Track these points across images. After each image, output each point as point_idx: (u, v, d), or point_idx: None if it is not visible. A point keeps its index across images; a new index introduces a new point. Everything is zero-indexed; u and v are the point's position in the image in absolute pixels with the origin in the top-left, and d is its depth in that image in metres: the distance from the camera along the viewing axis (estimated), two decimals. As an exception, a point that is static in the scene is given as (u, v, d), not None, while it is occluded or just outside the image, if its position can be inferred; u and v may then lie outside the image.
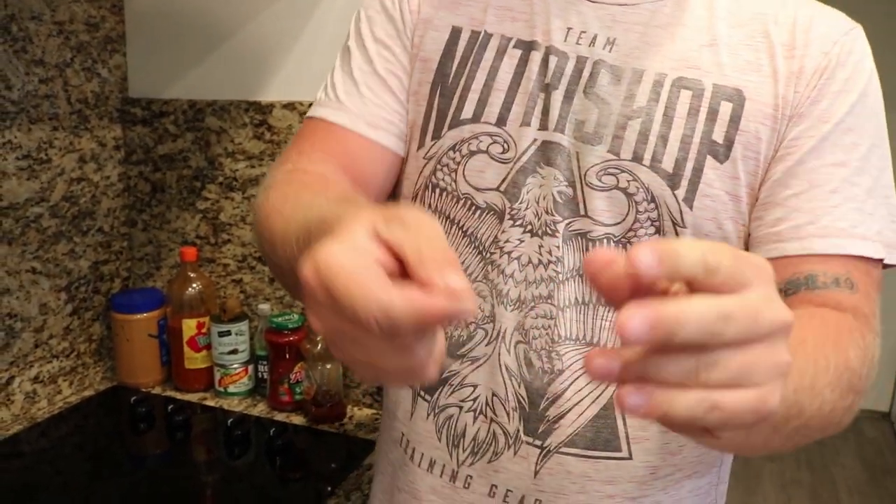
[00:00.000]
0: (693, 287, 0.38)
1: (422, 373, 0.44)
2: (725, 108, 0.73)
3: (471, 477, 0.82)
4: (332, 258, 0.40)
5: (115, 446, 1.32)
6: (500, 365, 0.80)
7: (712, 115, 0.74)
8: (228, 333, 1.44)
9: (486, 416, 0.80)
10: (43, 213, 1.40)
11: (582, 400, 0.77)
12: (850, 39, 0.75)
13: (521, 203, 0.77)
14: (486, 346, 0.80)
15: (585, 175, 0.75)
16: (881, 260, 0.72)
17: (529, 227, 0.77)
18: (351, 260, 0.40)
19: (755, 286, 0.38)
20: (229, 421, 1.32)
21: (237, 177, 1.47)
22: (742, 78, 0.74)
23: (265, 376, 1.46)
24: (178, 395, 1.49)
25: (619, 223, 0.75)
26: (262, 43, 1.43)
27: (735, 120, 0.73)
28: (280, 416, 1.41)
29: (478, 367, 0.81)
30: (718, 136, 0.73)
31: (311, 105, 0.88)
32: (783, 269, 0.71)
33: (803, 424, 0.57)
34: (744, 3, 0.77)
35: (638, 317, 0.36)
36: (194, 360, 1.48)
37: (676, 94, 0.74)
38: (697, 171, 0.73)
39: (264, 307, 1.45)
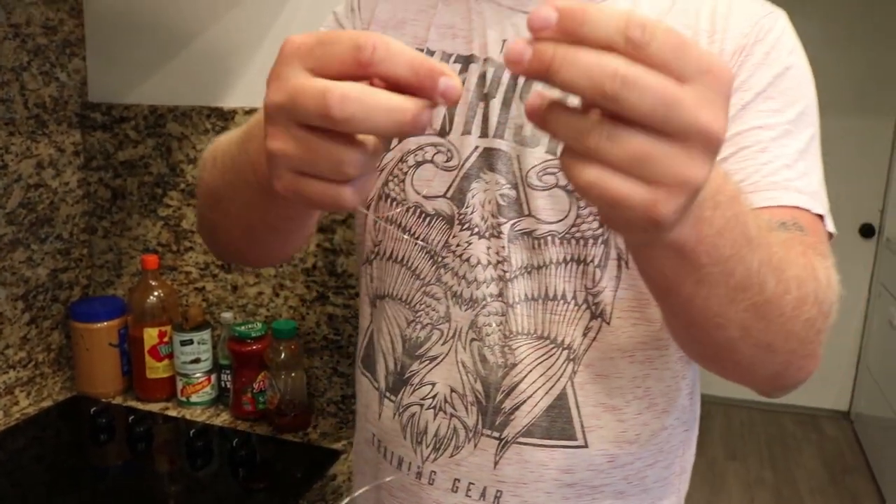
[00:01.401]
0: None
1: (343, 194, 0.46)
2: None
3: (434, 473, 0.84)
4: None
5: (75, 458, 1.30)
6: (456, 362, 0.82)
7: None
8: (191, 342, 1.42)
9: (445, 413, 0.83)
10: (-1, 220, 1.37)
11: (536, 391, 0.80)
12: (770, 20, 0.78)
13: (467, 208, 0.80)
14: (443, 345, 0.83)
15: (526, 176, 0.78)
16: (822, 219, 0.73)
17: (477, 230, 0.80)
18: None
19: (694, 84, 0.38)
20: (192, 431, 1.30)
21: (199, 183, 1.46)
22: None
23: (228, 385, 1.45)
24: (140, 406, 1.46)
25: (562, 220, 0.77)
26: (224, 48, 1.41)
27: None
28: (243, 426, 1.39)
29: (436, 365, 0.84)
30: None
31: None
32: None
33: (762, 309, 0.58)
34: (662, 1, 0.80)
35: (548, 6, 0.37)
36: (156, 369, 1.46)
37: None
38: None
39: (227, 316, 1.44)
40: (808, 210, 0.72)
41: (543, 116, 0.41)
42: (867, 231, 3.79)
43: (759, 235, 0.55)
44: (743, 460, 3.57)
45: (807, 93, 0.78)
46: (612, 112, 0.38)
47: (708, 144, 0.40)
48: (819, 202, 0.74)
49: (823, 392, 4.00)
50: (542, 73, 0.38)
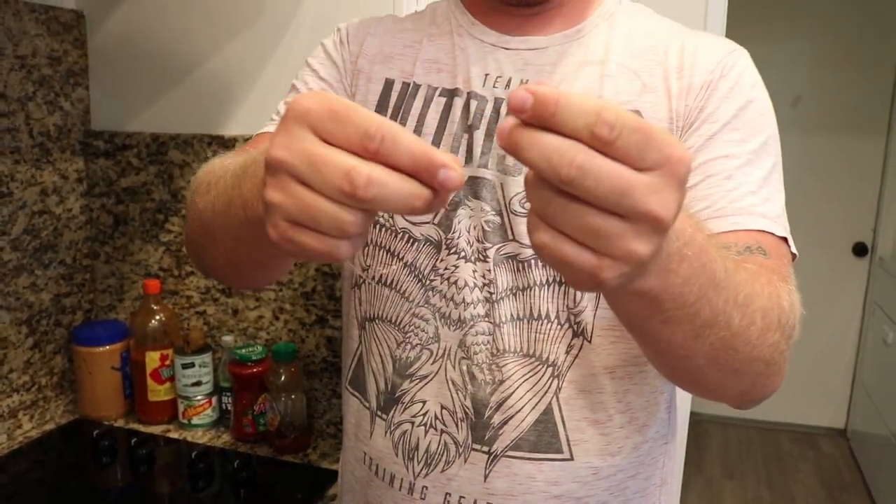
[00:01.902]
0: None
1: (340, 248, 0.48)
2: None
3: (426, 488, 0.87)
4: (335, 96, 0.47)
5: (78, 481, 1.32)
6: (446, 380, 0.86)
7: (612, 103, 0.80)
8: (192, 365, 1.45)
9: (436, 429, 0.86)
10: (4, 246, 1.40)
11: (524, 406, 0.84)
12: (733, 58, 0.83)
13: (454, 233, 0.84)
14: (432, 364, 0.87)
15: (510, 203, 0.82)
16: (786, 241, 0.77)
17: (463, 254, 0.84)
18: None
19: (651, 173, 0.42)
20: (193, 453, 1.32)
21: (200, 209, 1.48)
22: (640, 100, 0.82)
23: (229, 408, 1.47)
24: (142, 428, 1.48)
25: None
26: (225, 77, 1.45)
27: None
28: (244, 448, 1.41)
29: (426, 384, 0.87)
30: None
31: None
32: None
33: (730, 342, 0.62)
34: (637, 39, 0.86)
35: (524, 89, 0.41)
36: (157, 392, 1.48)
37: None
38: None
39: (228, 339, 1.46)
40: (771, 233, 0.76)
41: (526, 184, 0.46)
42: (860, 250, 3.82)
43: (727, 277, 0.59)
44: (740, 479, 3.57)
45: (768, 124, 0.83)
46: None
47: (656, 227, 0.44)
48: (781, 226, 0.78)
49: (820, 410, 4.02)
50: (511, 150, 0.43)
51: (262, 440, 1.43)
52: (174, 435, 1.46)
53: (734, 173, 0.78)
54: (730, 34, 2.37)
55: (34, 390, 1.49)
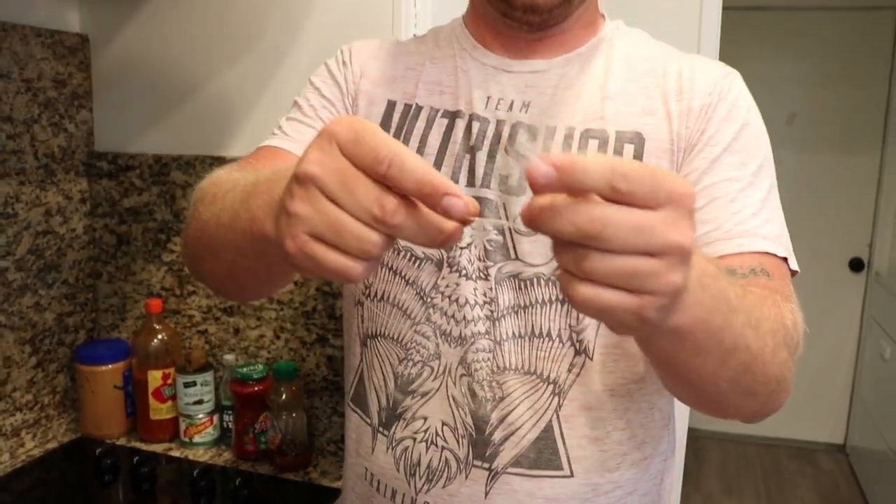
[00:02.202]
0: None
1: (356, 268, 0.50)
2: (628, 150, 0.84)
3: None
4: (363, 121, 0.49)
5: (80, 499, 1.33)
6: (447, 397, 0.87)
7: (617, 157, 0.83)
8: (194, 384, 1.46)
9: (437, 445, 0.87)
10: (8, 266, 1.42)
11: (524, 424, 0.85)
12: (728, 81, 0.87)
13: (455, 251, 0.86)
14: (434, 380, 0.88)
15: (513, 223, 0.84)
16: (786, 260, 0.80)
17: (465, 273, 0.86)
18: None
19: (665, 209, 0.45)
20: (195, 471, 1.34)
21: (203, 229, 1.50)
22: (640, 122, 0.85)
23: (230, 426, 1.48)
24: (143, 446, 1.50)
25: (547, 262, 0.83)
26: (226, 100, 1.47)
27: (638, 158, 0.83)
28: (245, 466, 1.42)
29: (427, 400, 0.88)
30: None
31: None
32: None
33: (748, 364, 0.65)
34: (635, 62, 0.89)
35: (545, 161, 0.44)
36: (159, 410, 1.49)
37: (585, 143, 0.84)
38: None
39: (229, 358, 1.48)
40: (773, 254, 0.79)
41: (554, 249, 0.48)
42: (857, 265, 3.84)
43: (739, 302, 0.62)
44: (739, 495, 3.57)
45: (763, 146, 0.86)
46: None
47: (683, 256, 0.47)
48: (782, 245, 0.80)
49: (818, 425, 4.02)
50: (535, 226, 0.46)
51: (264, 458, 1.44)
52: (176, 453, 1.47)
53: (737, 196, 0.81)
54: (723, 52, 2.41)
55: (37, 409, 1.50)
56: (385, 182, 0.47)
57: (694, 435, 3.80)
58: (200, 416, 1.48)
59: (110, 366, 1.51)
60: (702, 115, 0.84)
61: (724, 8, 2.30)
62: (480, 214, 0.84)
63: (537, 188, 0.45)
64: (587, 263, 0.46)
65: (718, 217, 0.80)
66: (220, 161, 1.47)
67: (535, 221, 0.46)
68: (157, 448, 1.49)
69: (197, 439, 1.48)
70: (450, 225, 0.48)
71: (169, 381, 1.49)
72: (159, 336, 1.49)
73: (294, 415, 1.39)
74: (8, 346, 1.43)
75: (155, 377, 1.48)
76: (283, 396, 1.38)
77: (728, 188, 0.81)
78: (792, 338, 0.71)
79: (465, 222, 0.49)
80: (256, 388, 1.41)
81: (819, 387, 3.91)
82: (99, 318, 1.63)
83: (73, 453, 1.48)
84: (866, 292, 3.85)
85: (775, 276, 0.77)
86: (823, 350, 3.87)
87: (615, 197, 0.44)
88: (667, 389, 0.76)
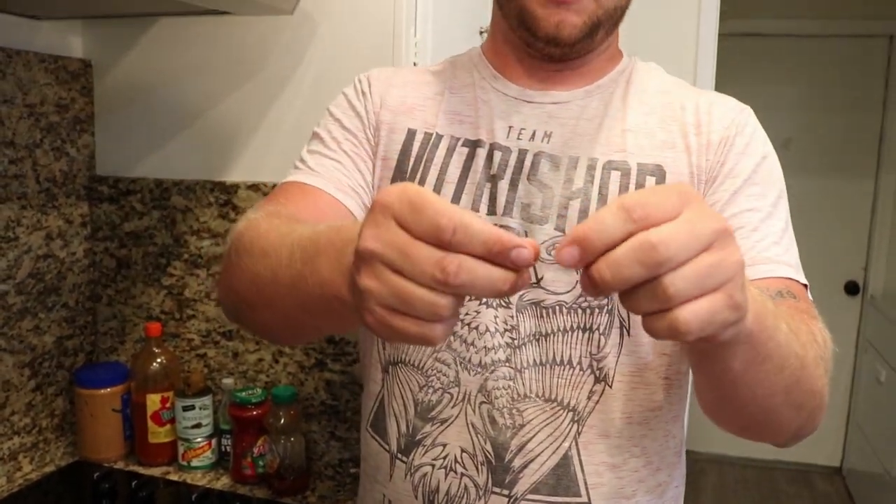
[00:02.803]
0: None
1: (435, 330, 0.51)
2: (650, 182, 0.86)
3: None
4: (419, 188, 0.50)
5: (78, 524, 1.33)
6: (467, 424, 0.87)
7: (639, 189, 0.85)
8: (192, 408, 1.46)
9: (456, 472, 0.88)
10: (9, 290, 1.42)
11: (543, 451, 0.86)
12: (744, 116, 0.90)
13: None
14: (453, 407, 0.88)
15: None
16: (807, 287, 0.83)
17: (485, 301, 0.86)
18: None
19: (685, 209, 0.48)
20: (193, 495, 1.34)
21: (202, 254, 1.52)
22: (661, 155, 0.87)
23: (228, 450, 1.48)
24: (141, 470, 1.50)
25: (569, 291, 0.85)
26: (227, 125, 1.49)
27: None
28: (243, 490, 1.42)
29: (447, 427, 0.89)
30: None
31: (275, 186, 0.95)
32: None
33: (798, 372, 0.66)
34: (652, 96, 0.91)
35: (563, 243, 0.47)
36: (158, 434, 1.50)
37: (608, 175, 0.86)
38: None
39: (228, 381, 1.48)
40: (796, 280, 0.82)
41: (623, 303, 0.51)
42: (852, 288, 3.86)
43: (777, 311, 0.64)
44: (736, 518, 3.57)
45: (779, 177, 0.89)
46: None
47: (726, 233, 0.50)
48: (801, 273, 0.84)
49: (815, 448, 4.02)
50: (603, 291, 0.49)
51: (262, 482, 1.44)
52: (174, 477, 1.47)
53: (759, 225, 0.84)
54: (719, 78, 2.43)
55: (35, 432, 1.50)
56: (451, 249, 0.48)
57: (691, 457, 3.78)
58: (199, 439, 1.48)
59: (109, 389, 1.51)
60: (721, 148, 0.87)
61: (721, 35, 2.33)
62: None
63: (565, 263, 0.48)
64: (670, 290, 0.47)
65: (742, 245, 0.81)
66: (220, 186, 1.48)
67: (600, 286, 0.48)
68: (156, 472, 1.49)
69: (195, 463, 1.48)
70: (514, 275, 0.49)
71: (168, 405, 1.49)
72: (158, 359, 1.49)
73: (292, 439, 1.39)
74: (7, 369, 1.43)
75: (154, 400, 1.48)
76: (282, 420, 1.39)
77: (750, 218, 0.84)
78: (825, 353, 0.73)
79: (529, 266, 0.50)
80: (255, 413, 1.42)
81: (816, 410, 3.90)
82: (98, 342, 1.64)
83: (70, 477, 1.48)
84: (861, 316, 3.87)
85: (801, 299, 0.80)
86: (820, 373, 3.87)
87: (639, 227, 0.46)
88: (713, 416, 0.76)
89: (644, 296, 0.48)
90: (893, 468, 3.10)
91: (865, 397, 3.70)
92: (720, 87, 2.07)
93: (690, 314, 0.48)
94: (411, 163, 0.92)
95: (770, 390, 0.67)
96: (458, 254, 0.48)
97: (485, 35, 1.65)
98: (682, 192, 0.48)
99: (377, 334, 0.53)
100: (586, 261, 0.47)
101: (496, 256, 0.48)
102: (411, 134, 0.94)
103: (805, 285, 0.84)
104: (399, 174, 0.92)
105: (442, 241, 0.48)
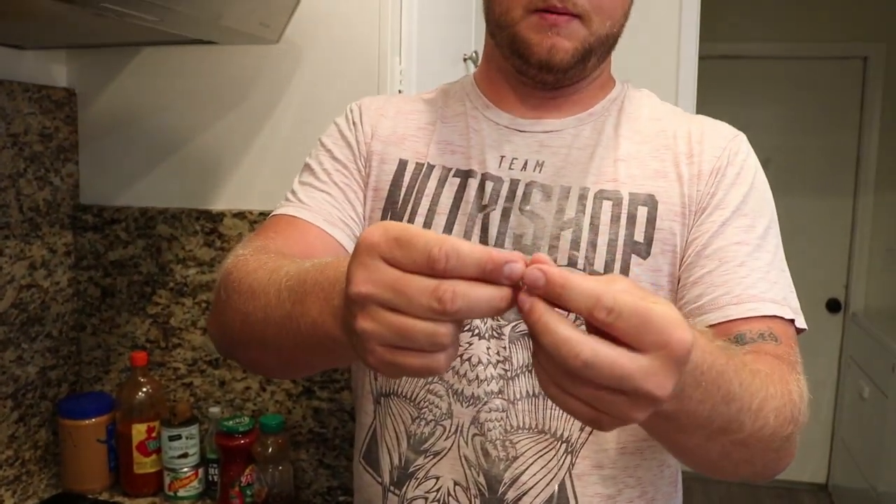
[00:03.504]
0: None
1: (438, 360, 0.51)
2: (642, 212, 0.86)
3: None
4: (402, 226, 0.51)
5: (62, 558, 1.31)
6: (459, 457, 0.87)
7: (631, 219, 0.86)
8: (179, 437, 1.45)
9: None
10: (-8, 321, 1.41)
11: (537, 483, 0.85)
12: (736, 144, 0.90)
13: None
14: (446, 440, 0.88)
15: None
16: (793, 321, 0.83)
17: (477, 332, 0.86)
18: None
19: (650, 355, 0.48)
20: (179, 527, 1.32)
21: (188, 282, 1.51)
22: (653, 185, 0.87)
23: (215, 479, 1.47)
24: (127, 501, 1.48)
25: None
26: (212, 154, 1.49)
27: (651, 221, 0.86)
28: (230, 520, 1.41)
29: (440, 459, 0.88)
30: (639, 236, 0.85)
31: (261, 214, 0.95)
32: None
33: (742, 441, 0.67)
34: (644, 123, 0.91)
35: (542, 262, 0.48)
36: (143, 464, 1.48)
37: (599, 204, 0.86)
38: (625, 269, 0.85)
39: (215, 410, 1.47)
40: (781, 317, 0.81)
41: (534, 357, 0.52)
42: (834, 306, 3.89)
43: (742, 390, 0.64)
44: (724, 537, 3.57)
45: (769, 207, 0.89)
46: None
47: (653, 402, 0.49)
48: (789, 307, 0.83)
49: (801, 465, 4.03)
50: (530, 328, 0.50)
51: (249, 512, 1.43)
52: (160, 508, 1.46)
53: (746, 260, 0.83)
54: (700, 99, 2.47)
55: (17, 465, 1.48)
56: (445, 276, 0.49)
57: (678, 477, 3.78)
58: (185, 469, 1.46)
59: (94, 419, 1.49)
60: (712, 179, 0.87)
61: (701, 57, 2.37)
62: None
63: (525, 283, 0.48)
64: (559, 380, 0.49)
65: (728, 282, 0.82)
66: (205, 215, 1.48)
67: (531, 322, 0.49)
68: (142, 503, 1.47)
69: (182, 493, 1.47)
70: (509, 290, 0.50)
71: (153, 435, 1.48)
72: (144, 389, 1.48)
73: (280, 468, 1.38)
74: (-10, 401, 1.41)
75: (139, 430, 1.47)
76: (270, 449, 1.38)
77: (737, 252, 0.83)
78: (799, 410, 0.74)
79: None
80: (242, 441, 1.41)
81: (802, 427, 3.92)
82: (82, 371, 1.62)
83: (54, 510, 1.46)
84: (844, 332, 3.90)
85: (782, 340, 0.80)
86: (803, 390, 3.89)
87: (596, 324, 0.47)
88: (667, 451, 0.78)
89: (546, 365, 0.50)
90: (879, 484, 3.11)
91: (850, 414, 3.73)
92: (700, 108, 2.10)
93: (555, 396, 0.51)
94: (402, 193, 0.92)
95: (701, 452, 0.68)
96: (450, 280, 0.48)
97: (469, 63, 1.67)
98: (671, 343, 0.48)
99: (381, 373, 0.54)
100: (540, 293, 0.48)
101: (490, 275, 0.49)
102: (402, 164, 0.94)
103: (791, 320, 0.83)
104: (390, 205, 0.92)
105: (436, 271, 0.48)
